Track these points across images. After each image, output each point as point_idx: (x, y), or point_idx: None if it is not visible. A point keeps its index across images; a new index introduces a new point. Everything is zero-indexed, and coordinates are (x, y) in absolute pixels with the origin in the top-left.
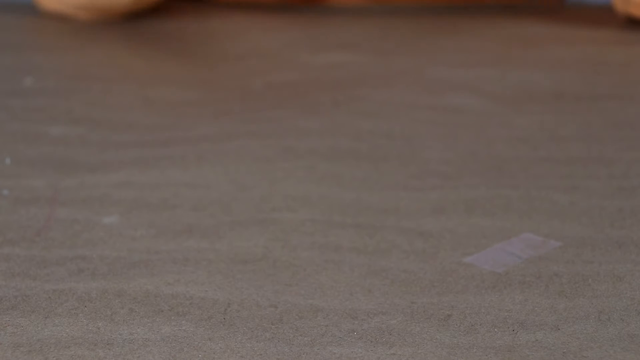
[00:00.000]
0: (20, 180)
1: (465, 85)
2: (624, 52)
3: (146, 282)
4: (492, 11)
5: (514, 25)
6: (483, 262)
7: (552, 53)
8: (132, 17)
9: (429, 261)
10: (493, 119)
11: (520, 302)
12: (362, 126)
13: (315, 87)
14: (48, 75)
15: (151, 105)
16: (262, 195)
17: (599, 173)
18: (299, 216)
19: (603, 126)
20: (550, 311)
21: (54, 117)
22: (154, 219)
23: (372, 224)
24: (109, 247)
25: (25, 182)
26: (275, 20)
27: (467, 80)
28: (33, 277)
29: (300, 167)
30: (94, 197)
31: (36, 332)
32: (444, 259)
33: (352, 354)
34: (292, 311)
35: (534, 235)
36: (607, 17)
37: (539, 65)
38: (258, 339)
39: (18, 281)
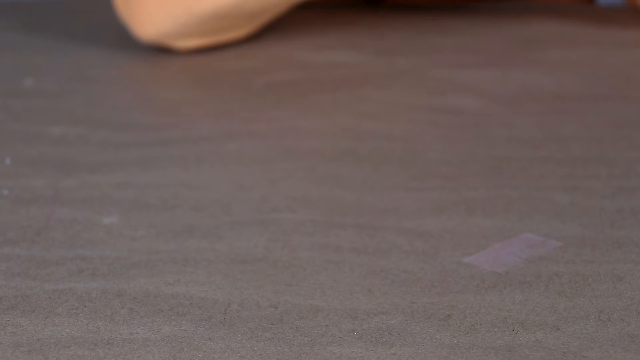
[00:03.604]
0: (20, 180)
1: (466, 86)
2: (624, 53)
3: (146, 282)
4: (493, 11)
5: (515, 26)
6: (483, 262)
7: (553, 54)
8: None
9: (429, 261)
10: (493, 119)
11: (520, 302)
12: (362, 127)
13: (315, 87)
14: (48, 76)
15: (151, 105)
16: (262, 195)
17: (599, 173)
18: (299, 216)
19: (603, 126)
20: (550, 311)
21: (54, 118)
22: (154, 219)
23: (372, 225)
24: (109, 247)
25: (25, 182)
26: (275, 19)
27: (468, 81)
28: (33, 277)
29: (301, 168)
30: (94, 197)
31: (36, 332)
32: (444, 259)
33: (352, 353)
34: (292, 311)
35: (534, 235)
36: (609, 18)
37: (539, 66)
38: (258, 339)
39: (18, 281)
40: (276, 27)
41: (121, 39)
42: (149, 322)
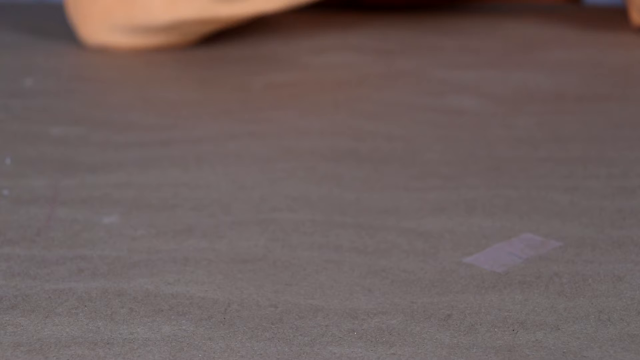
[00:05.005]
0: (20, 180)
1: (466, 86)
2: (624, 53)
3: (146, 282)
4: (493, 11)
5: (515, 26)
6: (483, 262)
7: (553, 54)
8: None
9: (429, 261)
10: (493, 119)
11: (520, 302)
12: (362, 127)
13: (315, 88)
14: (48, 76)
15: (151, 105)
16: (262, 195)
17: (599, 173)
18: (299, 216)
19: (603, 126)
20: (550, 311)
21: (54, 117)
22: (154, 219)
23: (372, 224)
24: (109, 247)
25: (25, 182)
26: (274, 19)
27: (468, 81)
28: (33, 276)
29: (301, 168)
30: (94, 197)
31: (36, 332)
32: (444, 259)
33: (352, 353)
34: (292, 311)
35: (534, 235)
36: (608, 19)
37: (539, 67)
38: (258, 338)
39: (18, 281)
40: (276, 29)
41: None
42: (149, 321)
